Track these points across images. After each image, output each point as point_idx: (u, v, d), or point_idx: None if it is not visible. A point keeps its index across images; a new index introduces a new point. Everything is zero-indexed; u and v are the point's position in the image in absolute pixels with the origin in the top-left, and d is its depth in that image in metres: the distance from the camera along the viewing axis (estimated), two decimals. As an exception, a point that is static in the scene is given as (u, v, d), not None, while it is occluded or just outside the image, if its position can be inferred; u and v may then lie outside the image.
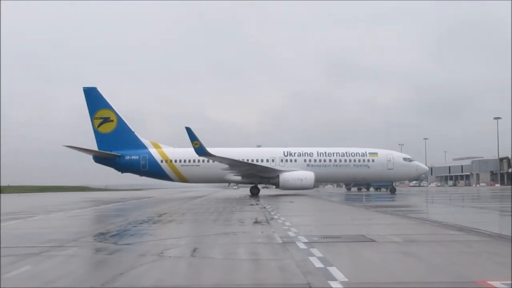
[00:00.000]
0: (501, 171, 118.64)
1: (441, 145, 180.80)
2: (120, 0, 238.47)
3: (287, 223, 14.20)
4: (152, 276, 7.05)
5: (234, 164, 43.07)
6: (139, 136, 46.68)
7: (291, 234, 11.37)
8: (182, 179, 46.27)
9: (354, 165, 45.22)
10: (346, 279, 6.38)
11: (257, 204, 26.75)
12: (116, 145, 45.39)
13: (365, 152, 45.87)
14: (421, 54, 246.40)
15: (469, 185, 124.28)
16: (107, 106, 46.08)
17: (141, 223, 15.68)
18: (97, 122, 45.76)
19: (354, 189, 72.53)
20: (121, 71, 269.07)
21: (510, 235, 10.32)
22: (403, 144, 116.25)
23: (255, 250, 9.30)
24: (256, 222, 15.38)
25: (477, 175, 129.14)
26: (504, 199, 33.76)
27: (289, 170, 43.59)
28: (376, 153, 45.91)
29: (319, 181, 44.13)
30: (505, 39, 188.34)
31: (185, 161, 45.25)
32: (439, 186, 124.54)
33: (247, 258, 8.36)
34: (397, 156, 46.36)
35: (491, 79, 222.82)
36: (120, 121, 46.11)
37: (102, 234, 12.56)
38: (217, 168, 43.68)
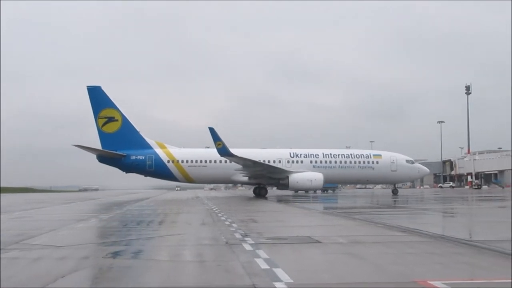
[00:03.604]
0: (444, 174, 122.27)
1: (386, 148, 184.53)
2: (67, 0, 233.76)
3: (234, 225, 14.19)
4: (100, 277, 6.92)
5: (250, 165, 42.39)
6: (144, 136, 45.55)
7: (237, 235, 11.36)
8: (189, 179, 45.74)
9: (359, 166, 45.69)
10: (291, 280, 6.41)
11: (204, 206, 26.64)
12: (121, 145, 44.00)
13: (370, 154, 46.58)
14: (368, 58, 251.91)
15: (413, 187, 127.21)
16: (111, 105, 44.59)
17: (87, 225, 15.37)
18: (102, 121, 44.20)
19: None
20: (63, 69, 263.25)
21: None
22: (349, 146, 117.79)
23: (200, 251, 9.24)
24: (203, 223, 15.31)
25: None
26: (446, 200, 34.78)
27: (299, 171, 43.48)
28: (380, 155, 46.57)
29: (326, 182, 44.46)
30: (451, 44, 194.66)
31: (192, 161, 44.70)
32: (384, 188, 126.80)
33: (193, 260, 8.29)
34: (401, 158, 46.94)
35: (436, 83, 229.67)
36: (125, 120, 44.72)
37: (45, 236, 12.19)
38: (224, 168, 43.58)
